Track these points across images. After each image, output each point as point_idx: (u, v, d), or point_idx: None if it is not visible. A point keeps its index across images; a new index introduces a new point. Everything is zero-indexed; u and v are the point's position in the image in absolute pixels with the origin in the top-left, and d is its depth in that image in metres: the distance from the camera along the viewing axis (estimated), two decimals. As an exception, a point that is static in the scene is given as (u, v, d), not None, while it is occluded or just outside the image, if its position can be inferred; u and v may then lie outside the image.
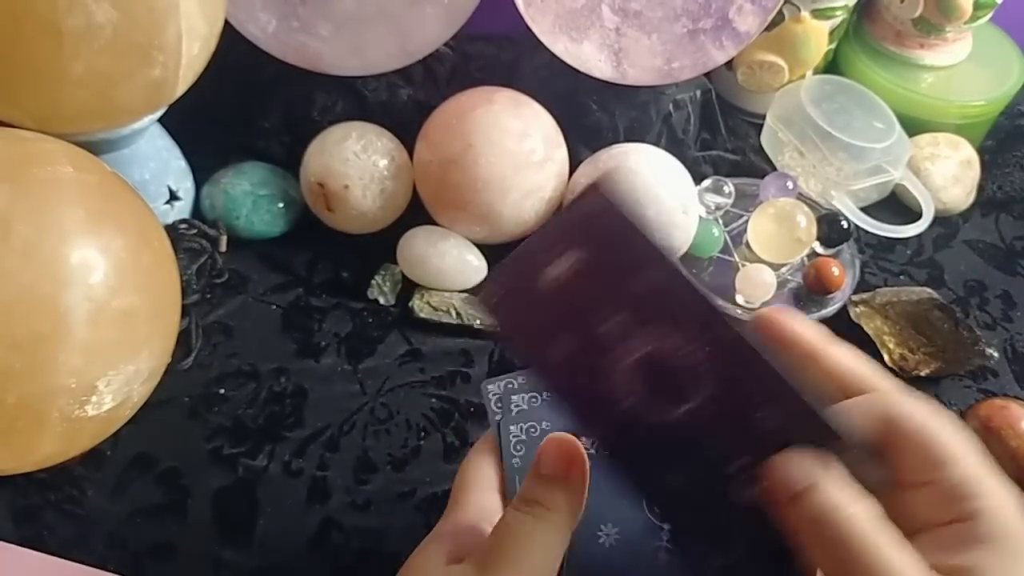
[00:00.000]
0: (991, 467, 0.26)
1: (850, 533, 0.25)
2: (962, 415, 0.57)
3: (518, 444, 0.38)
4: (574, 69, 0.68)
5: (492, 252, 0.65)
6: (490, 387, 0.40)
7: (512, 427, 0.39)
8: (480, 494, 0.36)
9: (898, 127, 0.71)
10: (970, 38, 0.78)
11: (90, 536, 0.51)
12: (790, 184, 0.70)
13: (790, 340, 0.32)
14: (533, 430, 0.39)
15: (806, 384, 0.28)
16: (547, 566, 0.31)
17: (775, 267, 0.67)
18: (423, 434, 0.57)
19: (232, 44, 0.61)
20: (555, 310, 0.31)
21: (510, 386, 0.40)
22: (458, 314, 0.63)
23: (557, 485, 0.32)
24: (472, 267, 0.64)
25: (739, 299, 0.66)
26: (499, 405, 0.39)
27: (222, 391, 0.58)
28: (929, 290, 0.66)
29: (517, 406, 0.39)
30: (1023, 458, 0.54)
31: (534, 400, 0.40)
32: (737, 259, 0.69)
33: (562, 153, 0.66)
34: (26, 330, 0.42)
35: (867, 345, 0.64)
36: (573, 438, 0.32)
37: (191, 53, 0.52)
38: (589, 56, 0.68)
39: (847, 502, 0.26)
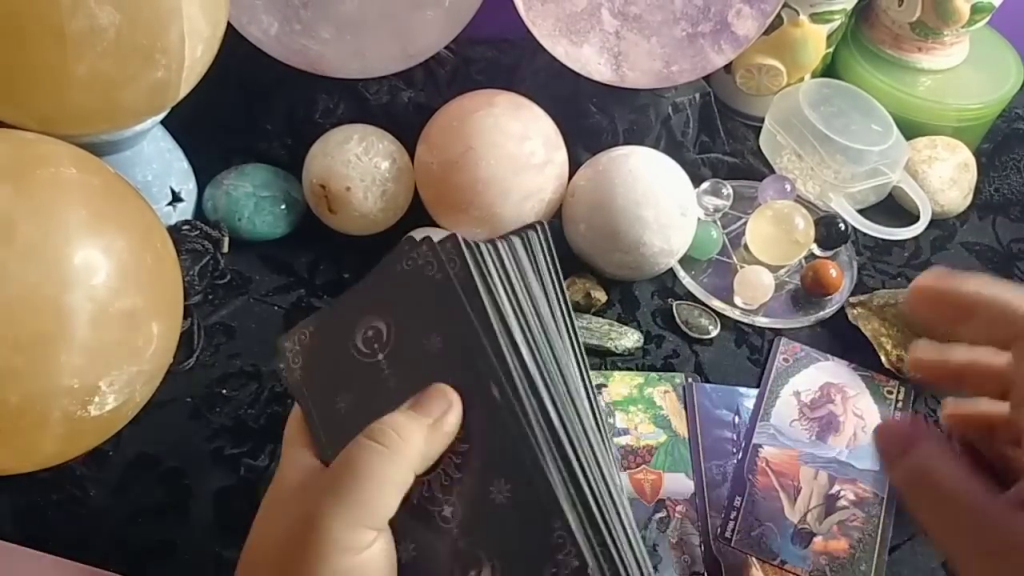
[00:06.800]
0: None
1: None
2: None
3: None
4: (574, 72, 0.68)
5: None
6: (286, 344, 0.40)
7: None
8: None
9: (896, 130, 0.71)
10: (967, 42, 0.79)
11: (92, 536, 0.51)
12: (788, 186, 0.70)
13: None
14: None
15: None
16: (385, 498, 0.33)
17: (773, 269, 0.67)
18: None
19: (234, 46, 0.61)
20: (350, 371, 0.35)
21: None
22: (458, 315, 0.63)
23: (418, 422, 0.34)
24: (472, 269, 0.64)
25: (737, 301, 0.66)
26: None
27: (224, 391, 0.58)
28: (927, 292, 0.66)
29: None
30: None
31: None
32: (735, 261, 0.69)
33: (562, 155, 0.66)
34: (29, 331, 0.42)
35: (865, 346, 0.64)
36: (456, 393, 0.35)
37: (194, 55, 0.53)
38: (589, 59, 0.68)
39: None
